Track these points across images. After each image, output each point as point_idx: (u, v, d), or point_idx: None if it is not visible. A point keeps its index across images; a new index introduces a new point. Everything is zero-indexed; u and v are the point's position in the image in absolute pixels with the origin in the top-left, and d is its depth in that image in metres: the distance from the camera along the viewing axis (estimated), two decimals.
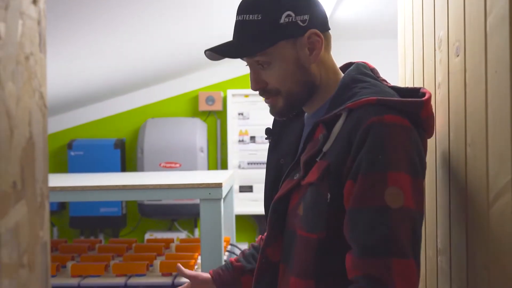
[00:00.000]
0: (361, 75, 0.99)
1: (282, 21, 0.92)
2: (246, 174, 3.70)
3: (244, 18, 0.93)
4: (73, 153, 3.63)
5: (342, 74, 1.02)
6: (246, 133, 3.73)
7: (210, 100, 3.79)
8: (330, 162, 0.89)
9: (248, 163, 3.71)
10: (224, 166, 3.86)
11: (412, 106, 0.91)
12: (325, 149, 0.91)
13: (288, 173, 0.98)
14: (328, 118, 0.92)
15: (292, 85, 0.95)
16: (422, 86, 1.32)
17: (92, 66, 2.91)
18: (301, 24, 0.94)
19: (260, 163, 3.70)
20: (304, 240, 0.91)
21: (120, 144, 3.71)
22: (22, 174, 0.62)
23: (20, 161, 0.62)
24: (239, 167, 3.72)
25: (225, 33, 3.06)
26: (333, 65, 1.02)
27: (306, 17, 0.94)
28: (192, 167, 3.57)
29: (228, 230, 2.84)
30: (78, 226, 3.67)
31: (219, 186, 1.96)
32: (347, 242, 0.87)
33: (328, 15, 1.05)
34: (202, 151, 3.62)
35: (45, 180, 0.71)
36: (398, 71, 1.64)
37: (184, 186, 1.98)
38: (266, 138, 1.12)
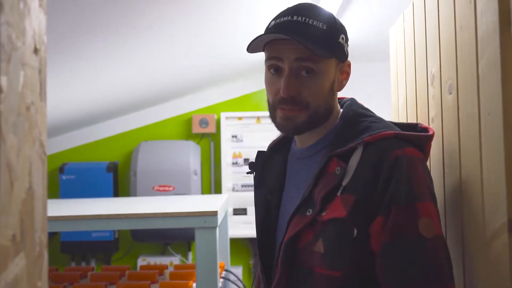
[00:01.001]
0: (362, 109, 1.02)
1: (339, 39, 0.96)
2: (240, 196, 3.69)
3: (308, 21, 0.92)
4: (64, 177, 3.60)
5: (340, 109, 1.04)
6: (239, 156, 3.73)
7: (203, 122, 3.79)
8: (357, 196, 0.88)
9: (242, 186, 3.70)
10: (217, 188, 3.85)
11: (424, 139, 0.95)
12: (345, 183, 0.90)
13: (296, 210, 0.95)
14: (343, 152, 0.92)
15: (321, 104, 0.96)
16: (415, 118, 1.34)
17: (84, 89, 2.90)
18: (346, 51, 0.99)
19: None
20: (325, 278, 0.89)
21: (113, 167, 3.69)
22: (21, 226, 0.62)
23: (20, 213, 0.61)
24: (233, 189, 3.71)
25: (216, 58, 3.08)
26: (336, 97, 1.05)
27: (348, 47, 1.00)
28: (185, 190, 3.55)
29: (222, 255, 2.81)
30: (69, 251, 3.62)
31: (214, 214, 1.95)
32: (371, 279, 0.87)
33: None
34: (195, 174, 3.61)
35: (44, 229, 0.71)
36: (391, 98, 1.66)
37: (179, 215, 1.97)
38: (247, 173, 1.11)
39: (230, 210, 3.66)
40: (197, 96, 3.88)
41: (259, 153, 1.11)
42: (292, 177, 1.04)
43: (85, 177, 3.62)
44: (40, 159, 0.69)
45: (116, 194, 3.72)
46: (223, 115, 3.78)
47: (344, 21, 2.63)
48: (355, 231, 0.87)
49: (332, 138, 0.98)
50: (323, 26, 0.93)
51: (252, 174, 1.11)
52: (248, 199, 3.69)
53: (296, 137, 1.04)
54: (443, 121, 1.09)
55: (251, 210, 3.68)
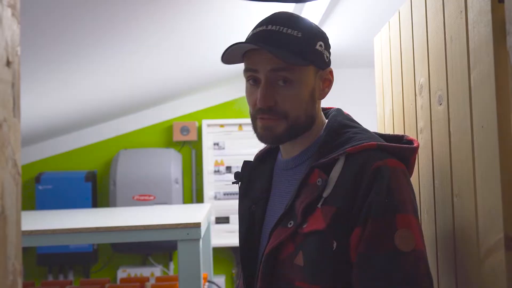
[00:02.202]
0: (347, 120, 0.99)
1: (316, 47, 0.93)
2: (222, 205, 3.64)
3: (282, 30, 0.91)
4: (41, 187, 3.49)
5: (325, 119, 1.02)
6: (222, 163, 3.68)
7: (184, 130, 3.74)
8: (337, 207, 0.86)
9: (224, 194, 3.65)
10: (199, 197, 3.79)
11: (408, 151, 0.93)
12: (325, 194, 0.88)
13: (278, 221, 0.93)
14: (325, 163, 0.90)
15: (301, 113, 0.93)
16: (403, 128, 1.32)
17: (61, 97, 2.82)
18: (326, 58, 0.96)
19: (237, 194, 3.64)
20: None
21: (91, 177, 3.59)
22: None
23: None
24: (215, 198, 3.66)
25: (199, 65, 3.04)
26: (320, 106, 1.02)
27: (328, 54, 0.98)
28: (166, 199, 3.48)
29: (205, 266, 2.76)
30: (46, 263, 3.51)
31: (197, 225, 1.90)
32: None
33: None
34: (177, 182, 3.54)
35: (18, 255, 0.66)
36: (376, 109, 1.65)
37: (161, 227, 1.91)
38: (233, 183, 1.09)
39: (213, 219, 3.61)
40: (178, 103, 3.83)
41: (245, 163, 1.09)
42: (277, 188, 1.02)
43: (62, 187, 3.52)
44: (13, 180, 0.64)
45: (95, 204, 3.62)
46: (204, 122, 3.74)
47: (327, 28, 2.62)
48: (335, 244, 0.85)
49: (316, 149, 0.96)
50: (298, 34, 0.91)
51: (238, 184, 1.09)
52: (230, 207, 3.64)
53: (281, 148, 1.02)
54: (432, 132, 1.07)
55: (234, 219, 3.63)
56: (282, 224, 0.92)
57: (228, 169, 3.68)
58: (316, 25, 0.97)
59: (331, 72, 0.98)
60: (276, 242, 0.91)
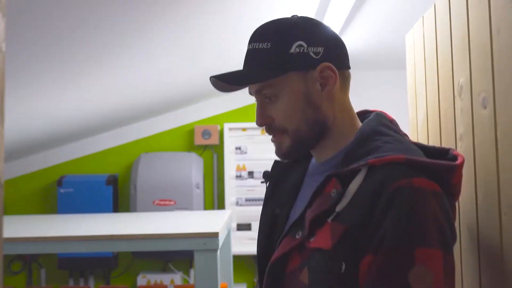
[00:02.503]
0: (383, 127, 0.87)
1: (292, 50, 0.84)
2: (244, 211, 3.54)
3: (254, 46, 0.86)
4: (62, 190, 3.48)
5: (360, 122, 0.91)
6: (243, 168, 3.58)
7: (206, 133, 3.66)
8: (347, 227, 0.76)
9: (246, 200, 3.55)
10: (221, 203, 3.70)
11: (445, 169, 0.78)
12: (338, 209, 0.78)
13: (289, 230, 0.85)
14: (344, 173, 0.80)
15: (300, 123, 0.86)
16: (439, 134, 1.19)
17: (83, 100, 2.79)
18: (314, 56, 0.85)
19: (259, 200, 3.55)
20: None
21: (113, 180, 3.56)
22: None
23: None
24: (237, 204, 3.56)
25: (220, 67, 2.98)
26: (350, 109, 0.91)
27: (319, 49, 0.85)
28: (187, 204, 3.41)
29: (225, 275, 2.66)
30: (67, 267, 3.49)
31: (215, 235, 1.81)
32: None
33: None
34: (198, 187, 3.47)
35: (0, 275, 0.56)
36: (408, 112, 1.52)
37: (178, 236, 1.83)
38: (262, 182, 1.02)
39: (234, 226, 3.51)
40: (199, 106, 3.76)
41: (277, 162, 1.01)
42: (303, 193, 0.93)
43: (84, 191, 3.49)
44: None
45: (115, 208, 3.58)
46: (226, 126, 3.65)
47: (351, 29, 2.49)
48: (344, 266, 0.75)
49: (343, 155, 0.86)
50: (267, 45, 0.84)
51: (265, 184, 1.01)
52: (252, 213, 3.54)
53: (312, 152, 0.92)
54: (474, 139, 0.94)
55: (256, 226, 3.53)
56: (291, 234, 0.84)
57: (250, 174, 3.58)
58: (297, 23, 0.86)
59: (328, 67, 0.85)
60: (281, 252, 0.83)
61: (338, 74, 0.85)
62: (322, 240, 0.77)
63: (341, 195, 0.78)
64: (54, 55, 1.94)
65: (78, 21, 1.67)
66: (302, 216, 0.83)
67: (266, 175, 1.00)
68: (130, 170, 3.69)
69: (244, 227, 3.53)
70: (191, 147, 3.76)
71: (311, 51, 0.84)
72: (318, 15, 2.28)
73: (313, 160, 0.94)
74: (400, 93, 3.50)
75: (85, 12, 1.60)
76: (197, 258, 1.81)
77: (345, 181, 0.79)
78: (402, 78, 3.42)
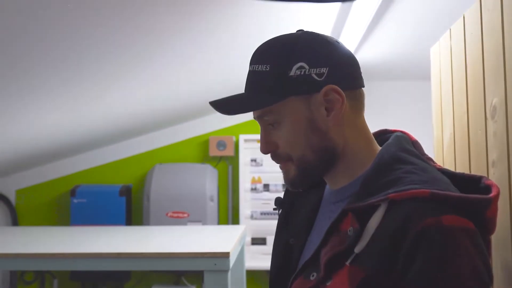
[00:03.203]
0: (404, 152, 0.77)
1: (292, 73, 0.76)
2: (259, 225, 3.45)
3: (254, 68, 0.80)
4: (76, 200, 3.45)
5: (377, 146, 0.81)
6: (259, 181, 3.50)
7: (221, 145, 3.59)
8: (367, 273, 0.67)
9: (261, 213, 3.46)
10: (235, 216, 3.62)
11: (478, 204, 0.68)
12: (357, 250, 0.69)
13: (302, 269, 0.77)
14: (361, 208, 0.71)
15: (306, 150, 0.78)
16: (467, 157, 1.09)
17: (98, 110, 2.76)
18: (316, 78, 0.76)
19: (274, 214, 3.45)
20: None
21: (126, 191, 3.51)
22: None
23: None
24: (252, 217, 3.47)
25: (235, 78, 2.91)
26: (365, 131, 0.82)
27: (323, 70, 0.76)
28: (201, 217, 3.34)
29: None
30: (79, 279, 3.45)
31: (226, 256, 1.73)
32: None
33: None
34: (212, 200, 3.39)
35: None
36: (433, 131, 1.42)
37: (187, 256, 1.75)
38: (274, 209, 0.93)
39: (248, 240, 3.42)
40: (215, 117, 3.70)
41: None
42: (318, 223, 0.84)
43: (97, 201, 3.46)
44: None
45: (129, 219, 3.54)
46: (241, 137, 3.58)
47: (373, 36, 2.40)
48: None
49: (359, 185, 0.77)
50: (266, 67, 0.78)
51: (278, 212, 0.93)
52: (267, 227, 3.45)
53: (324, 178, 0.84)
54: (510, 167, 0.84)
55: (271, 240, 3.43)
56: (304, 275, 0.75)
57: (266, 187, 3.49)
58: (299, 42, 0.77)
59: (333, 90, 0.76)
60: None
61: (345, 97, 0.76)
62: (340, 286, 0.68)
63: (358, 234, 0.69)
64: (70, 67, 1.91)
65: (98, 36, 1.63)
66: (316, 255, 0.75)
67: (279, 202, 0.92)
68: (144, 180, 3.64)
69: (258, 241, 3.44)
70: (206, 158, 3.70)
71: (313, 72, 0.76)
72: (337, 26, 2.19)
73: (327, 188, 0.86)
74: (421, 104, 3.38)
75: (108, 27, 1.56)
76: (207, 278, 1.73)
77: (362, 216, 0.70)
78: (421, 88, 3.31)
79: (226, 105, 0.80)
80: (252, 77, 0.80)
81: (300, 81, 0.76)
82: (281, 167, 0.82)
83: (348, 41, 2.36)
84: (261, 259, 3.40)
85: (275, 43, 0.79)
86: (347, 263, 0.69)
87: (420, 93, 3.39)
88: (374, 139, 0.82)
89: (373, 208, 0.70)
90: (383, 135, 0.86)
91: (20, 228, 3.17)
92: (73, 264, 1.80)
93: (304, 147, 0.78)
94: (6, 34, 1.39)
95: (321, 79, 0.76)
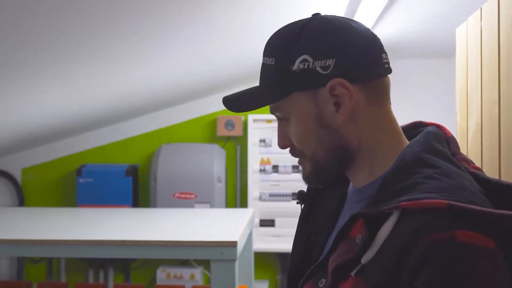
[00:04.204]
0: (430, 153, 0.67)
1: (295, 67, 0.70)
2: (267, 206, 3.39)
3: (264, 61, 0.75)
4: (82, 180, 3.41)
5: (406, 141, 0.73)
6: (268, 162, 3.42)
7: (229, 124, 3.51)
8: (371, 287, 0.61)
9: (270, 195, 3.40)
10: (243, 197, 3.56)
11: (505, 221, 0.59)
12: (364, 261, 0.62)
13: (312, 273, 0.72)
14: (372, 214, 0.64)
15: (317, 148, 0.73)
16: (497, 149, 0.99)
17: (103, 88, 2.69)
18: (321, 71, 0.69)
19: (283, 195, 3.39)
20: None
21: (132, 171, 3.46)
22: None
23: None
24: (260, 199, 3.41)
25: (245, 56, 2.81)
26: (389, 125, 0.72)
27: (330, 62, 0.69)
28: (208, 198, 3.29)
29: (245, 277, 2.54)
30: (87, 258, 3.44)
31: (233, 245, 1.67)
32: None
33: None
34: (219, 181, 3.33)
35: None
36: (456, 117, 1.32)
37: (192, 244, 1.69)
38: (297, 203, 0.88)
39: (257, 221, 3.37)
40: (223, 95, 3.59)
41: None
42: (340, 221, 0.78)
43: (103, 181, 3.42)
44: None
45: (135, 200, 3.50)
46: (250, 117, 3.49)
47: (391, 13, 2.27)
48: None
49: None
50: (271, 61, 0.73)
51: (300, 206, 0.88)
52: (276, 209, 3.39)
53: (346, 174, 0.77)
54: None
55: (279, 222, 3.38)
56: (314, 280, 0.71)
57: (275, 168, 3.42)
58: (306, 31, 0.70)
59: (339, 84, 0.68)
60: None
61: (354, 91, 0.68)
62: None
63: (367, 243, 0.63)
64: (80, 45, 1.85)
65: (110, 14, 1.54)
66: (326, 260, 0.70)
67: (301, 196, 0.86)
68: (150, 160, 3.59)
69: (267, 223, 3.38)
70: (214, 138, 3.62)
71: (318, 65, 0.69)
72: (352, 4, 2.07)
73: (350, 185, 0.79)
74: (440, 83, 3.26)
75: (123, 4, 1.47)
76: (213, 268, 1.67)
77: (373, 223, 0.63)
78: (442, 67, 3.17)
79: (233, 102, 0.77)
80: (262, 70, 0.76)
81: (303, 76, 0.69)
82: (298, 162, 0.78)
83: (363, 18, 2.23)
84: (269, 241, 3.36)
85: (281, 33, 0.73)
86: (352, 273, 0.63)
87: (438, 72, 3.26)
88: (402, 133, 0.74)
89: (385, 215, 0.62)
90: (416, 129, 0.77)
91: (25, 209, 3.15)
92: (76, 251, 1.75)
93: (315, 145, 0.72)
94: (19, 9, 1.33)
95: (326, 72, 0.68)
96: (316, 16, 0.73)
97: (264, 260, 3.53)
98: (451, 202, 0.58)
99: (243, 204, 3.56)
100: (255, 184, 3.41)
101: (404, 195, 0.62)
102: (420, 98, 3.29)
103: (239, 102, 0.77)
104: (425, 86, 3.32)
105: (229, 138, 3.60)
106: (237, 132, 3.51)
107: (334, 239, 0.69)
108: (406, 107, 2.81)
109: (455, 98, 1.31)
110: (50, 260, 3.61)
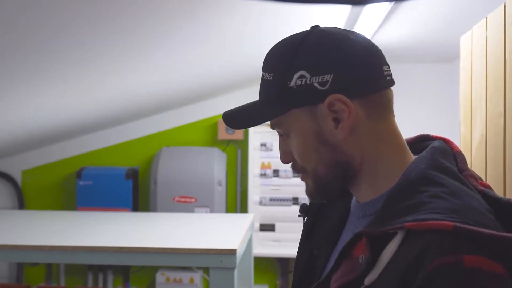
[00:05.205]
0: (437, 171, 0.65)
1: (292, 84, 0.69)
2: (267, 211, 3.37)
3: (263, 75, 0.74)
4: (81, 182, 3.39)
5: (411, 156, 0.71)
6: (269, 166, 3.40)
7: (230, 128, 3.49)
8: None
9: (271, 199, 3.38)
10: (243, 202, 3.54)
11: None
12: (367, 282, 0.61)
13: None
14: (376, 234, 0.62)
15: (318, 164, 0.72)
16: (502, 162, 0.97)
17: (106, 91, 2.68)
18: (319, 87, 0.68)
19: (284, 200, 3.37)
20: None
21: (132, 174, 3.45)
22: None
23: None
24: (260, 203, 3.39)
25: (245, 60, 2.79)
26: (393, 139, 0.71)
27: (327, 77, 0.67)
28: (208, 202, 3.27)
29: (245, 281, 2.52)
30: None
31: (232, 253, 1.65)
32: None
33: (369, 37, 0.74)
34: (220, 184, 3.31)
35: None
36: (459, 127, 1.30)
37: (191, 252, 1.68)
38: (299, 216, 0.87)
39: (257, 226, 3.35)
40: (224, 98, 3.59)
41: None
42: (343, 237, 0.77)
43: (103, 184, 3.40)
44: None
45: (135, 203, 3.48)
46: None
47: (394, 18, 2.25)
48: None
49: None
50: (270, 76, 0.72)
51: (303, 219, 0.87)
52: (276, 214, 3.37)
53: (349, 189, 0.76)
54: None
55: (279, 227, 3.36)
56: None
57: (276, 172, 3.40)
58: (303, 45, 0.68)
59: (338, 100, 0.67)
60: None
61: (352, 106, 0.67)
62: None
63: (370, 263, 0.61)
64: (79, 47, 1.84)
65: (108, 16, 1.53)
66: (328, 278, 0.68)
67: (304, 209, 0.85)
68: (151, 163, 3.57)
69: (267, 227, 3.36)
70: (214, 141, 3.61)
71: (316, 81, 0.67)
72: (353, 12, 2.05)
73: (354, 199, 0.78)
74: (440, 88, 3.23)
75: (122, 5, 1.46)
76: (213, 275, 1.65)
77: (377, 243, 0.61)
78: (443, 71, 3.15)
79: (232, 119, 0.76)
80: (261, 84, 0.75)
81: (301, 92, 0.68)
82: (301, 178, 0.77)
83: (365, 25, 2.21)
84: (269, 246, 3.34)
85: (279, 48, 0.72)
86: None
87: (439, 76, 3.24)
88: (406, 147, 0.72)
89: (390, 235, 0.61)
90: (421, 143, 0.75)
91: (24, 213, 3.13)
92: (74, 257, 1.74)
93: (316, 161, 0.71)
94: (16, 9, 1.31)
95: (324, 88, 0.67)
96: (314, 29, 0.71)
97: (264, 264, 3.51)
98: (458, 225, 0.57)
99: (243, 208, 3.54)
100: (256, 188, 3.39)
101: (409, 214, 0.61)
102: (419, 102, 3.26)
103: (239, 119, 0.75)
104: (425, 90, 3.30)
105: (229, 141, 3.58)
106: (238, 136, 3.50)
107: (337, 258, 0.67)
108: (406, 111, 2.79)
109: (458, 104, 1.29)
110: (49, 263, 3.60)
